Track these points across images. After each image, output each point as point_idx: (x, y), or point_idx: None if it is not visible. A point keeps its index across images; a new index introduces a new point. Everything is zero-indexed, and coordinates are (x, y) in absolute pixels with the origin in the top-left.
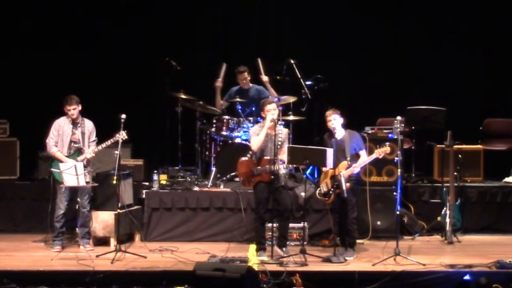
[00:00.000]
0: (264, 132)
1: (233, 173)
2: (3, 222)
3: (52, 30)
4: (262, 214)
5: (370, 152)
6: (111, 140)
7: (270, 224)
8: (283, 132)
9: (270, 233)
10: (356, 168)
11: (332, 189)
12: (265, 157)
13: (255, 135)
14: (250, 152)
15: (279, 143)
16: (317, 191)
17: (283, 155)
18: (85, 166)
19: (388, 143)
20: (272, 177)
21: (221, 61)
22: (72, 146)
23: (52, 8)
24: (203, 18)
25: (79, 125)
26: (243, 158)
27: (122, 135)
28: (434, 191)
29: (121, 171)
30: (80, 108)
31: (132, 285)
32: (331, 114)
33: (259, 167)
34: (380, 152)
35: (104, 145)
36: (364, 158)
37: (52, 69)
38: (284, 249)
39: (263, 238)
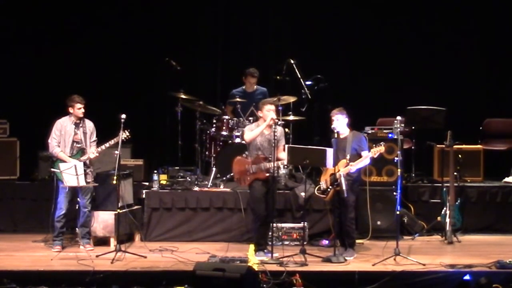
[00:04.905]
0: (261, 128)
1: (233, 173)
2: (3, 222)
3: (52, 30)
4: (260, 214)
5: None
6: (114, 139)
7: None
8: (278, 130)
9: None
10: (352, 167)
11: (330, 187)
12: (260, 155)
13: (249, 130)
14: (246, 152)
15: (275, 140)
16: (316, 188)
17: (281, 154)
18: (87, 166)
19: (382, 142)
20: (267, 175)
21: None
22: (74, 146)
23: (52, 8)
24: (203, 18)
25: (80, 125)
26: (238, 157)
27: (125, 134)
28: (434, 191)
29: (121, 171)
30: None
31: (132, 285)
32: (335, 114)
33: (254, 165)
34: (375, 152)
35: (107, 144)
36: (361, 158)
37: (52, 69)
38: (265, 250)
39: (261, 238)
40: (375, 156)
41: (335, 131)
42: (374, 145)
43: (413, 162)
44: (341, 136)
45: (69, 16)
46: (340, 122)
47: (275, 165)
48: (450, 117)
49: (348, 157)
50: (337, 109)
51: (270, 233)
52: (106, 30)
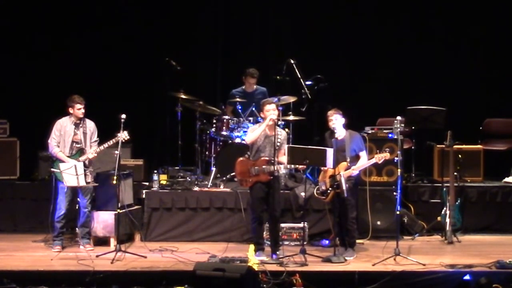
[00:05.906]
0: (261, 128)
1: (233, 173)
2: (3, 222)
3: (52, 30)
4: (259, 214)
5: (370, 152)
6: (113, 140)
7: (268, 224)
8: (282, 134)
9: (268, 234)
10: (355, 170)
11: (330, 188)
12: (263, 158)
13: (251, 131)
14: (248, 153)
15: (278, 144)
16: (315, 189)
17: (282, 157)
18: (86, 166)
19: (388, 148)
20: (270, 177)
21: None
22: (74, 146)
23: (52, 8)
24: (203, 18)
25: (81, 125)
26: (241, 158)
27: (123, 135)
28: (434, 191)
29: (121, 171)
30: None
31: (132, 285)
32: (332, 114)
33: (257, 167)
34: (380, 157)
35: (106, 145)
36: (364, 161)
37: (52, 69)
38: (277, 252)
39: (260, 238)
40: (380, 162)
41: (334, 131)
42: (378, 149)
43: (413, 162)
44: (339, 137)
45: (69, 16)
46: (338, 122)
47: (276, 168)
48: (450, 117)
49: (348, 159)
50: (334, 109)
51: (271, 233)
52: (106, 30)
